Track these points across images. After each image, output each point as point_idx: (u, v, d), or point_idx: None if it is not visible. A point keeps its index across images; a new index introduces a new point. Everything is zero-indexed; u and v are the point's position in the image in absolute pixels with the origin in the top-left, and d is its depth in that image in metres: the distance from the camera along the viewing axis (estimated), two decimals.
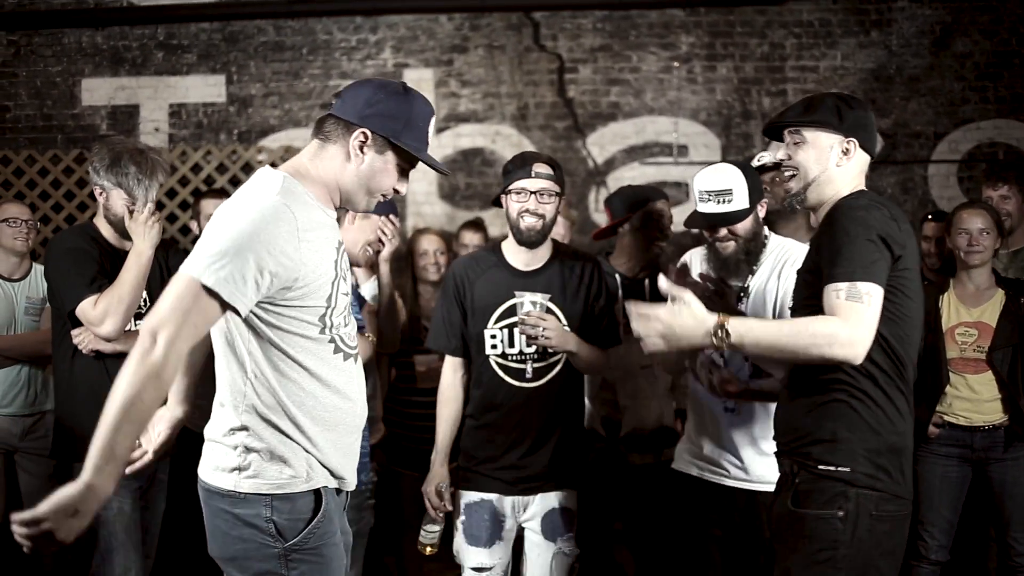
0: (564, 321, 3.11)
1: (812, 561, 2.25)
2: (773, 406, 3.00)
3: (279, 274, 2.04)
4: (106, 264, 3.16)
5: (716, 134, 6.13)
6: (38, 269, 3.80)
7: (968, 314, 3.75)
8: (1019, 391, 3.65)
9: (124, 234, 3.17)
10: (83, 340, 3.14)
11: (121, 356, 3.10)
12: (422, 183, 6.16)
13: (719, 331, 2.25)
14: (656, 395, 3.76)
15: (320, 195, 2.20)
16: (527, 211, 3.07)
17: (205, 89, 6.23)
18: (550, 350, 3.09)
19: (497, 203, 3.26)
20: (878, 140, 2.48)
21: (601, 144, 6.19)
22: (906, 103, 6.11)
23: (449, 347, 3.23)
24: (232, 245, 1.99)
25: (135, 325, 3.18)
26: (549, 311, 3.12)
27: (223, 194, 4.44)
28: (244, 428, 2.13)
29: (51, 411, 3.74)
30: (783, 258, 3.08)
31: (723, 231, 3.05)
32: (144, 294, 3.23)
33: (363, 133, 2.16)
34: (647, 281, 3.69)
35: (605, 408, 3.81)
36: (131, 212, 3.14)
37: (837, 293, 2.20)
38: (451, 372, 3.26)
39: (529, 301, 3.09)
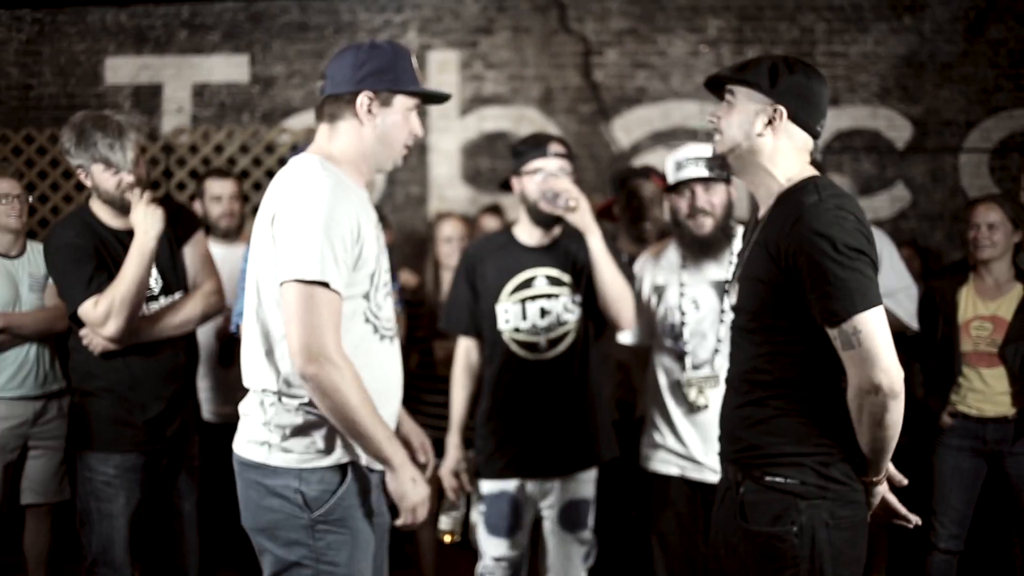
0: (579, 296, 3.08)
1: None
2: None
3: (352, 250, 2.15)
4: (104, 252, 3.03)
5: None
6: (34, 246, 3.70)
7: (984, 308, 3.71)
8: None
9: (123, 210, 3.04)
10: (91, 341, 3.03)
11: (140, 348, 3.08)
12: (444, 166, 6.12)
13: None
14: None
15: (351, 175, 2.28)
16: None
17: (229, 69, 6.21)
18: (569, 205, 2.99)
19: (505, 186, 3.22)
20: (823, 119, 2.15)
21: (627, 128, 6.13)
22: (938, 90, 6.00)
23: (462, 327, 3.21)
24: (316, 235, 2.08)
25: (148, 309, 3.08)
26: (559, 282, 3.09)
27: (225, 174, 4.37)
28: (274, 403, 2.19)
29: (59, 393, 3.68)
30: None
31: (702, 198, 3.03)
32: (155, 272, 3.10)
33: (366, 96, 2.23)
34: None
35: (619, 390, 3.77)
36: (119, 184, 3.00)
37: (834, 344, 2.00)
38: (464, 353, 3.24)
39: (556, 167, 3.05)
